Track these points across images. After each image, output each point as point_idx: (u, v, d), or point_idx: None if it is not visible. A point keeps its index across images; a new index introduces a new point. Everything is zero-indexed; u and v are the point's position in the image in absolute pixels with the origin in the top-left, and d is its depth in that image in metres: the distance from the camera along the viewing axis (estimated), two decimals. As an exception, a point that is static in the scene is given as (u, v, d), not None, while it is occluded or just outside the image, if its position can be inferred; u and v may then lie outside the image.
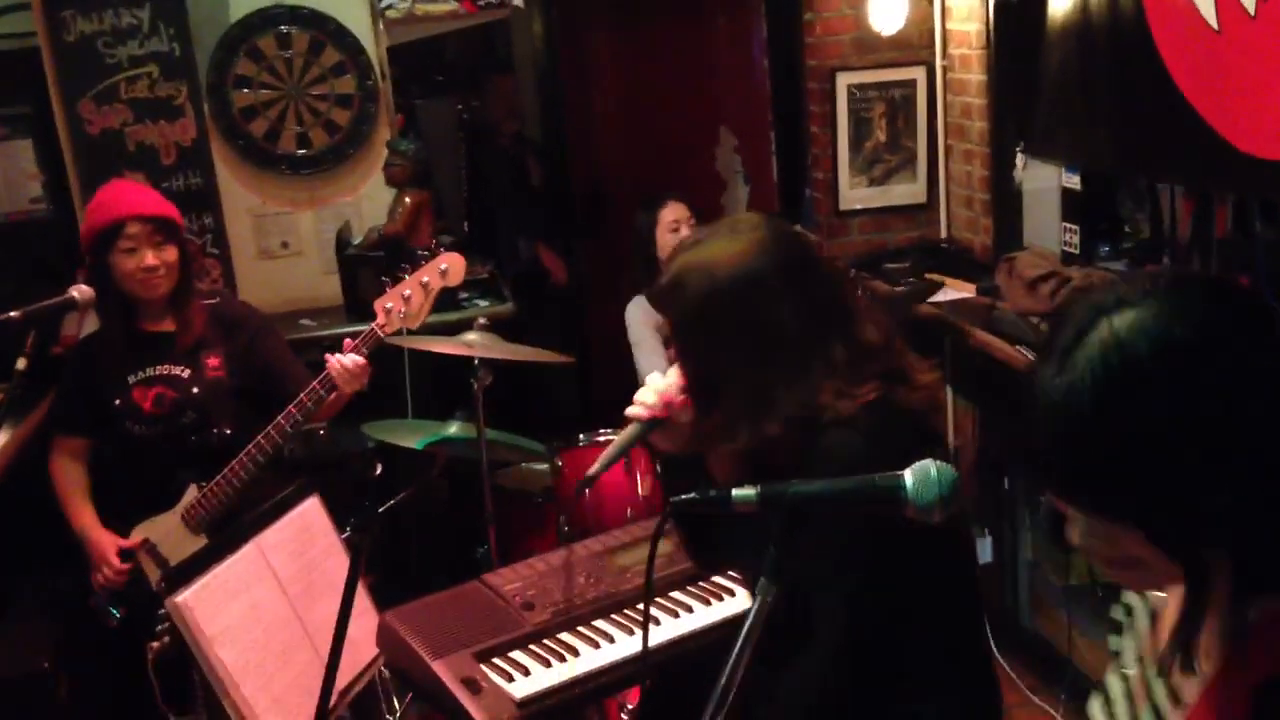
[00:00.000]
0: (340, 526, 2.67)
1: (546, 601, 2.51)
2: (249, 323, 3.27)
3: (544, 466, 4.04)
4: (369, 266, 4.25)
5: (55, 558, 3.30)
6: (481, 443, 3.55)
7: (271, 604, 2.39)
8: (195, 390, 3.12)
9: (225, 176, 4.48)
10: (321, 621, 2.44)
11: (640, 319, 4.05)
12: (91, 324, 3.52)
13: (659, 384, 1.90)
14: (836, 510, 1.32)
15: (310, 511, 2.60)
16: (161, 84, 4.28)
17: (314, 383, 3.01)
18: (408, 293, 3.04)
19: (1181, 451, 1.02)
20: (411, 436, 3.68)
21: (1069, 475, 1.08)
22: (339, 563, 2.57)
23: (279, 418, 3.01)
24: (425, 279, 3.05)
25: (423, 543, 4.22)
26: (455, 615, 2.43)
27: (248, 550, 2.39)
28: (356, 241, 4.35)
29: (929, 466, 1.22)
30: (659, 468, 2.06)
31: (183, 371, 3.13)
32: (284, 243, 4.59)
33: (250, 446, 3.03)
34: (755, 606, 1.18)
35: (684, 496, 1.26)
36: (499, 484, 3.90)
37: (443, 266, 3.07)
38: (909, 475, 1.22)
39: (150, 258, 3.03)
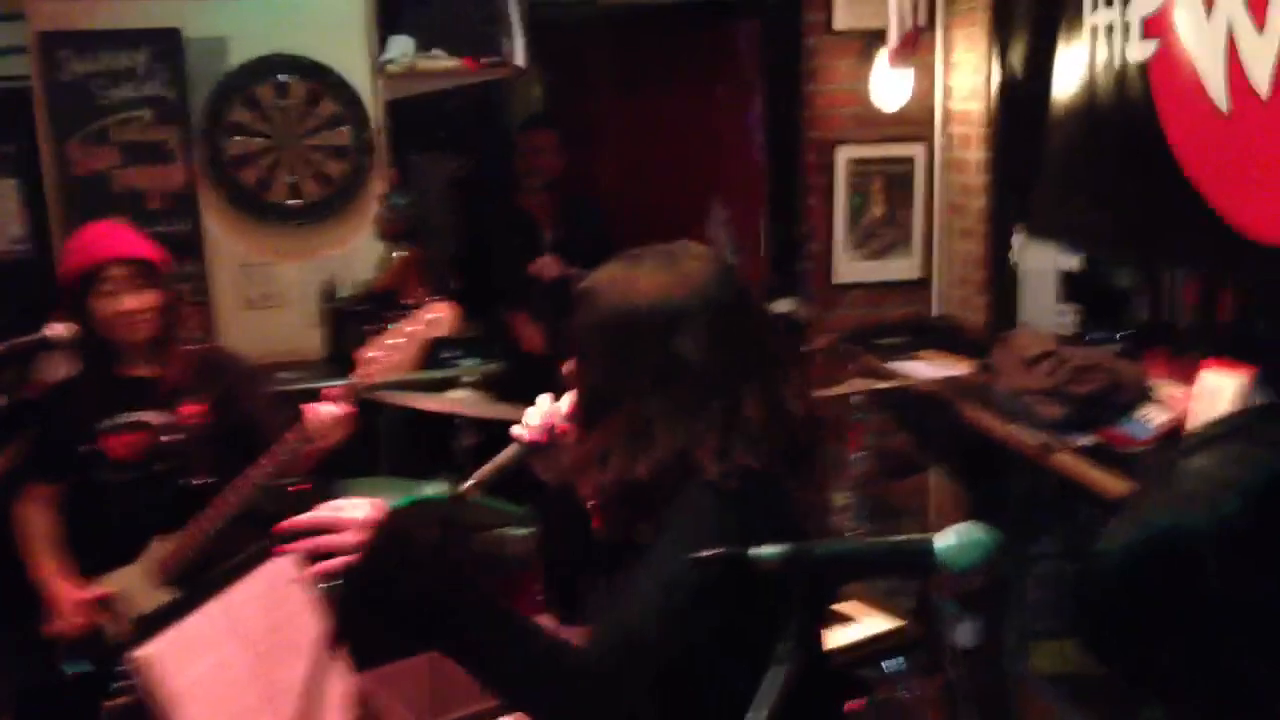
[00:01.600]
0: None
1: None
2: (232, 370, 3.18)
3: (524, 531, 3.94)
4: (354, 320, 4.18)
5: (18, 605, 3.18)
6: (461, 505, 3.45)
7: (239, 662, 2.28)
8: (170, 438, 3.02)
9: (212, 224, 4.42)
10: (290, 683, 2.33)
11: None
12: (69, 367, 3.43)
13: (546, 406, 1.80)
14: (864, 574, 1.23)
15: (283, 567, 2.49)
16: (153, 128, 4.23)
17: (288, 434, 2.91)
18: (392, 342, 2.94)
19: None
20: (388, 496, 3.57)
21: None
22: (311, 622, 2.46)
23: (248, 470, 2.91)
24: (411, 329, 2.96)
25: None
26: (437, 678, 2.33)
27: (216, 605, 2.29)
28: (343, 295, 4.29)
29: (971, 528, 1.14)
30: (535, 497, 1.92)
31: (158, 418, 3.03)
32: (269, 294, 4.51)
33: (218, 499, 2.93)
34: (778, 675, 1.09)
35: (707, 553, 1.17)
36: (477, 548, 3.80)
37: (431, 316, 2.97)
38: (952, 537, 1.14)
39: (129, 301, 2.94)
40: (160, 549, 2.99)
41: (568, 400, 1.78)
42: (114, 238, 3.07)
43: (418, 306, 3.03)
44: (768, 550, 1.15)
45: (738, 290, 1.67)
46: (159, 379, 3.05)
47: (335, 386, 2.93)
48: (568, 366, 1.73)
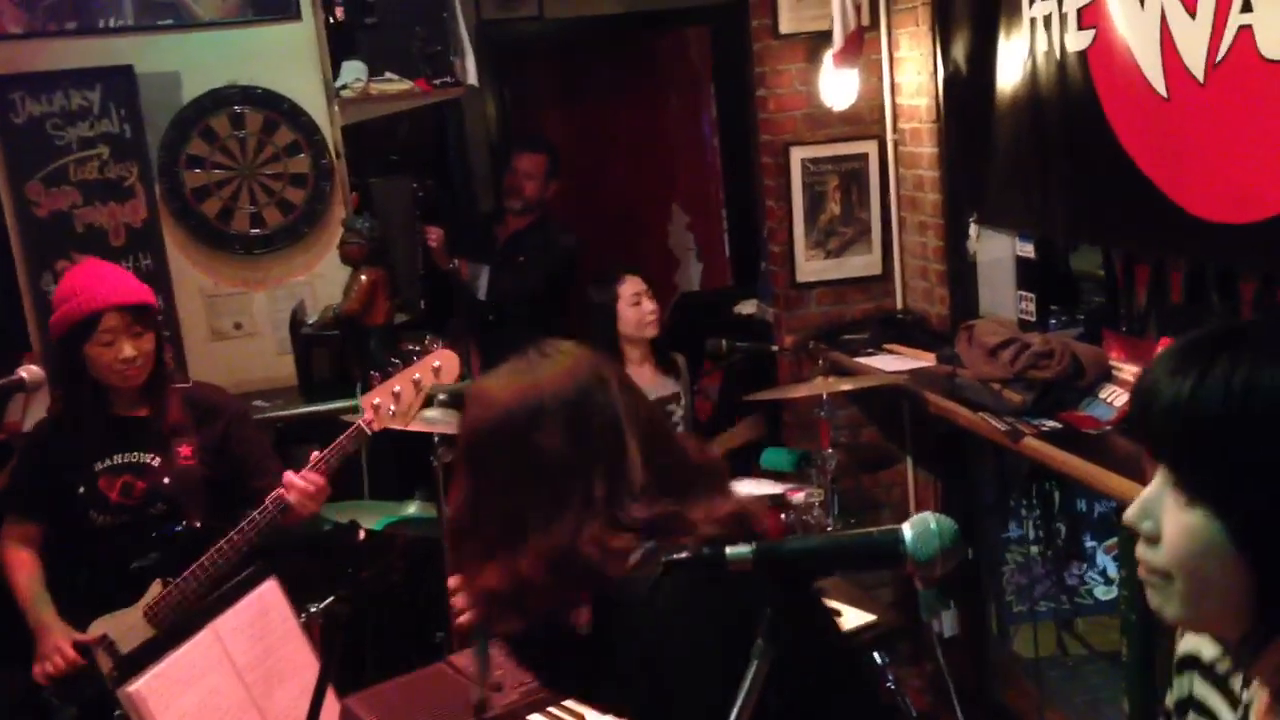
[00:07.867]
0: (298, 609, 2.58)
1: (515, 682, 2.44)
2: (225, 411, 3.15)
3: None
4: (324, 346, 4.20)
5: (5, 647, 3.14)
6: (442, 523, 3.48)
7: (228, 692, 2.29)
8: (166, 480, 2.99)
9: (176, 257, 4.43)
10: (281, 710, 2.35)
11: None
12: (37, 409, 3.41)
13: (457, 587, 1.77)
14: (834, 568, 1.27)
15: (267, 595, 2.51)
16: (112, 165, 4.25)
17: (276, 496, 2.88)
18: (398, 389, 2.95)
19: None
20: (370, 518, 3.60)
21: (1204, 461, 1.07)
22: (298, 647, 2.48)
23: (255, 514, 2.88)
24: (417, 376, 2.96)
25: (379, 627, 4.11)
26: (421, 699, 2.36)
27: (203, 636, 2.30)
28: (311, 321, 4.30)
29: (928, 518, 1.18)
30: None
31: (153, 460, 2.99)
32: (237, 323, 4.52)
33: (223, 543, 2.89)
34: (752, 671, 1.13)
35: (678, 555, 1.21)
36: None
37: (436, 364, 2.98)
38: (908, 529, 1.18)
39: (128, 349, 2.88)
40: (156, 593, 2.95)
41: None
42: (109, 283, 2.98)
43: (420, 350, 3.04)
44: (737, 550, 1.18)
45: (598, 375, 1.66)
46: (151, 419, 3.01)
47: (318, 451, 2.92)
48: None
